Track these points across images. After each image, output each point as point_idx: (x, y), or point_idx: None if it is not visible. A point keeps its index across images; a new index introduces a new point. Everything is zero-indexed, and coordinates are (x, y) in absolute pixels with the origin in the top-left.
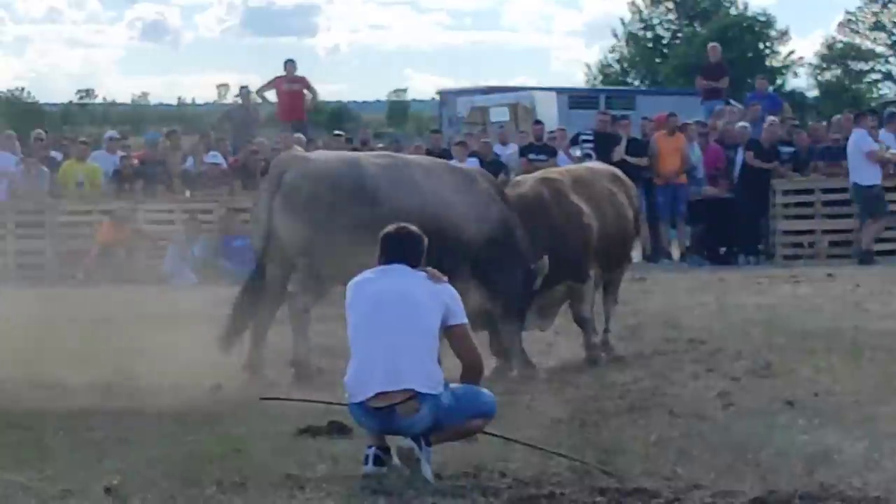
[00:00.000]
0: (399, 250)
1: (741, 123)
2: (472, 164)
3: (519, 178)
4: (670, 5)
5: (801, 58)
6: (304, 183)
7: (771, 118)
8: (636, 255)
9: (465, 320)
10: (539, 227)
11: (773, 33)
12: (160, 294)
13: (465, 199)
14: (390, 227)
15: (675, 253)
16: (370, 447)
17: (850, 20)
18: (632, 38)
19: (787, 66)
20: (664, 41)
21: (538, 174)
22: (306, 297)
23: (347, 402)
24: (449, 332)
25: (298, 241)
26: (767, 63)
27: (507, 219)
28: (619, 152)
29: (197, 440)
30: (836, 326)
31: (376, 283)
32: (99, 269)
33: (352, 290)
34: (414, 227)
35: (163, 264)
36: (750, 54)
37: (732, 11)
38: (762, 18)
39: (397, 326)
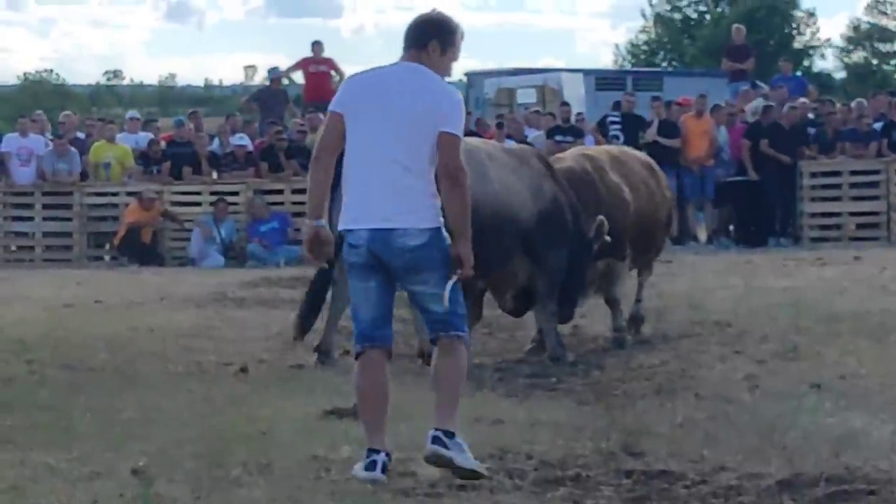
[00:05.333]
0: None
1: (766, 104)
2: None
3: (560, 154)
4: None
5: (827, 39)
6: None
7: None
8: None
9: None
10: (585, 201)
11: (798, 14)
12: (187, 275)
13: (522, 179)
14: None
15: (702, 235)
16: (378, 452)
17: (878, 1)
18: (659, 19)
19: (813, 47)
20: (692, 22)
21: (577, 150)
22: None
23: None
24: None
25: None
26: (794, 45)
27: (557, 197)
28: (652, 133)
29: (223, 422)
30: (862, 309)
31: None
32: (126, 251)
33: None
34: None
35: (189, 246)
36: (778, 36)
37: None
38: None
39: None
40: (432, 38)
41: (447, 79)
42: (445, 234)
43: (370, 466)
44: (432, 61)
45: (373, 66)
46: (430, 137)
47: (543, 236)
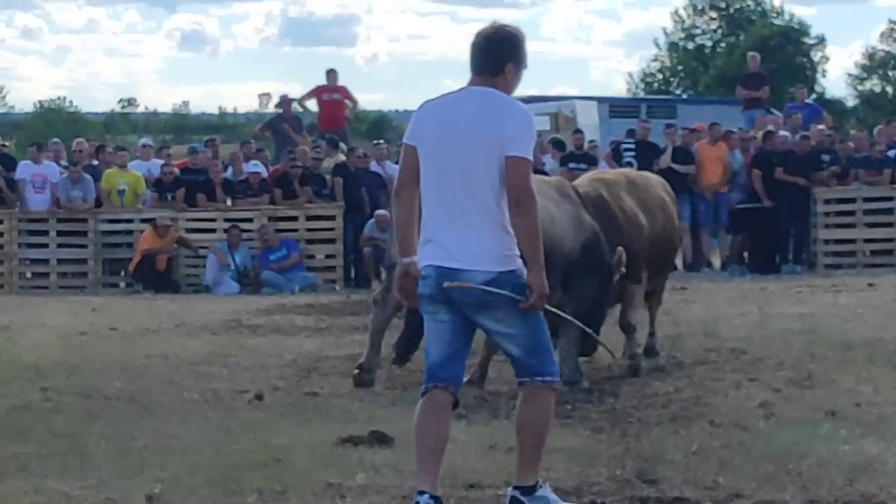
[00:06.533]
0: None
1: (781, 133)
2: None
3: (576, 181)
4: (713, 14)
5: (825, 57)
6: None
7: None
8: (678, 263)
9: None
10: (602, 227)
11: (808, 40)
12: (202, 302)
13: (564, 212)
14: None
15: (716, 262)
16: (423, 493)
17: (893, 29)
18: (673, 47)
19: (814, 63)
20: (706, 51)
21: (592, 174)
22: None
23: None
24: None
25: None
26: (801, 70)
27: (595, 229)
28: (666, 160)
29: (238, 449)
30: (877, 336)
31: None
32: (141, 278)
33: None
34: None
35: (204, 273)
36: (788, 63)
37: (778, 22)
38: (796, 26)
39: None
40: (509, 60)
41: None
42: (522, 271)
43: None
44: (507, 81)
45: (443, 93)
46: (498, 163)
47: (581, 268)
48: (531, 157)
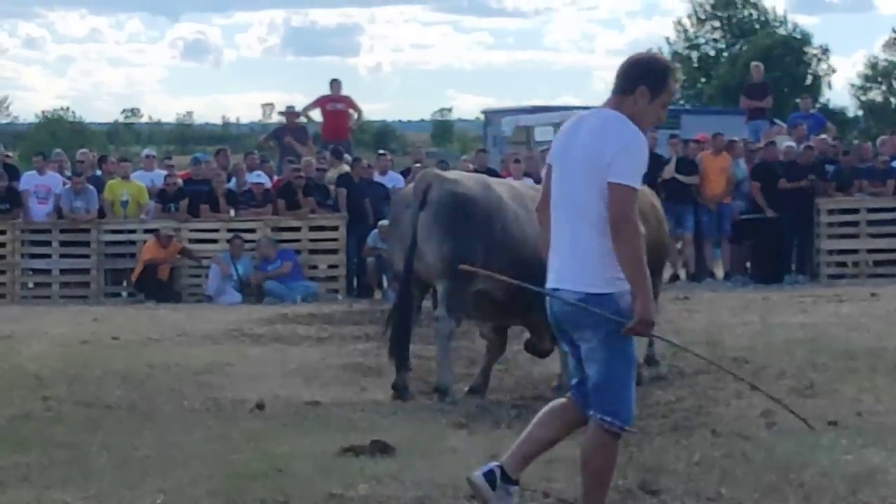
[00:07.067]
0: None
1: (787, 143)
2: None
3: None
4: (716, 24)
5: (832, 70)
6: (448, 200)
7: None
8: (681, 273)
9: None
10: None
11: (811, 51)
12: (204, 312)
13: None
14: None
15: (719, 272)
16: (497, 465)
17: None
18: (676, 57)
19: (819, 77)
20: (709, 61)
21: None
22: (452, 320)
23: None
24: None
25: (440, 260)
26: (805, 81)
27: None
28: (670, 170)
29: (240, 459)
30: (879, 345)
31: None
32: (143, 288)
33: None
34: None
35: (207, 283)
36: (791, 73)
37: (781, 31)
38: (798, 37)
39: None
40: (640, 83)
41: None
42: (620, 297)
43: (487, 474)
44: (638, 107)
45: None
46: (598, 187)
47: None
48: (633, 184)
